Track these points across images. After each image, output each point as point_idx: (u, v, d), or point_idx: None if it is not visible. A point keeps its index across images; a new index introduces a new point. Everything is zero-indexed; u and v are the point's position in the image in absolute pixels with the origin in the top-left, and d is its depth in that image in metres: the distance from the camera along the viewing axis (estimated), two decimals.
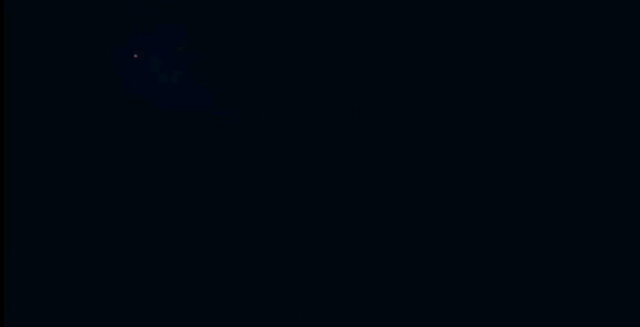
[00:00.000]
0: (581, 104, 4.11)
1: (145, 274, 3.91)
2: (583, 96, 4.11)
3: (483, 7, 4.11)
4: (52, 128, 3.94)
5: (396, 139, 4.10)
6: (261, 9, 4.01)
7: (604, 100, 4.09)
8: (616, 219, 4.00)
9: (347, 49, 4.10)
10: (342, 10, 4.07)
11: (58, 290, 3.95)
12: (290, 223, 3.95)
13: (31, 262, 3.95)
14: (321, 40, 4.07)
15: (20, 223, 3.88)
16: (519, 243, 4.02)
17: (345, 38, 4.10)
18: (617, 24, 4.11)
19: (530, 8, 4.12)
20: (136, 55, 3.47)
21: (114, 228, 3.92)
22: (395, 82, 4.13)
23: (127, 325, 3.95)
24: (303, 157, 4.01)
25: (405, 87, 4.13)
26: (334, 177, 4.03)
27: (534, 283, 3.97)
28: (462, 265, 3.99)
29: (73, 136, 3.95)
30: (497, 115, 4.12)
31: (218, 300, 3.92)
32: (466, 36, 4.12)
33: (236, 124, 3.94)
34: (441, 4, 4.11)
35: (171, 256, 3.92)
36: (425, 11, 4.11)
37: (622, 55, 4.10)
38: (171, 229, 3.94)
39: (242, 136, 3.97)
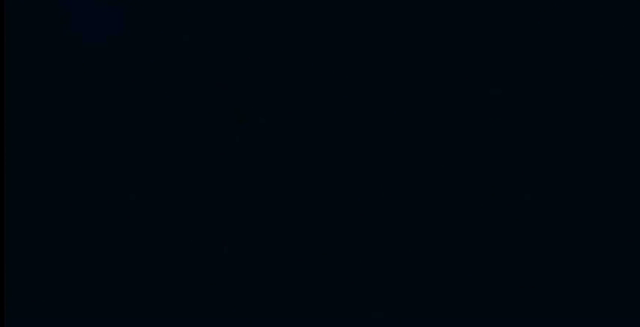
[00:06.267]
0: (580, 104, 4.10)
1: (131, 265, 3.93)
2: (583, 96, 4.11)
3: (483, 7, 4.12)
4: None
5: (395, 140, 4.11)
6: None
7: (604, 100, 4.09)
8: (616, 219, 3.98)
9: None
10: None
11: (58, 290, 3.99)
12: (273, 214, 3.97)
13: (30, 262, 3.99)
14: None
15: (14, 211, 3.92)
16: (519, 243, 4.01)
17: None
18: (617, 24, 4.10)
19: (529, 8, 4.12)
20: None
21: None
22: (393, 82, 4.14)
23: (127, 325, 3.98)
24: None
25: (404, 87, 4.14)
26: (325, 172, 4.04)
27: (534, 283, 3.96)
28: (462, 266, 3.99)
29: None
30: (496, 115, 4.12)
31: (213, 300, 3.93)
32: (466, 36, 4.13)
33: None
34: (441, 4, 4.12)
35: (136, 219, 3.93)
36: (424, 11, 4.13)
37: (622, 55, 4.09)
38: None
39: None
